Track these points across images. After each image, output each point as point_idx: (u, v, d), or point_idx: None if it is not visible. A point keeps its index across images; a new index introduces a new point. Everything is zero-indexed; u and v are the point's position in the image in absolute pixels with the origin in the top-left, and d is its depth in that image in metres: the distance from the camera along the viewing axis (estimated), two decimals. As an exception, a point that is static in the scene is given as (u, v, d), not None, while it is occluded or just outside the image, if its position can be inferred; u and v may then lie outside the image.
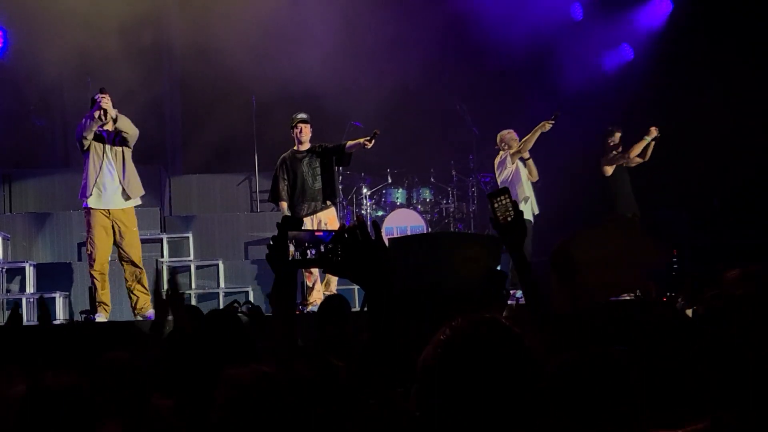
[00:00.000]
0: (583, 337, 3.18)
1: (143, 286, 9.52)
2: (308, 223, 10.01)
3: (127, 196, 9.51)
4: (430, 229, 12.80)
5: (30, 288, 10.65)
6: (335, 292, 10.04)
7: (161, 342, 3.91)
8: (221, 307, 10.03)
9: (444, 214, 13.47)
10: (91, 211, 9.45)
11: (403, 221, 12.78)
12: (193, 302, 10.88)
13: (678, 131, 11.92)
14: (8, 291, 10.66)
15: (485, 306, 3.85)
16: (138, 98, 11.87)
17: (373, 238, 2.61)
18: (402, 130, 12.52)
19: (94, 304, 9.44)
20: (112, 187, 9.46)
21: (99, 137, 9.46)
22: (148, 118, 11.43)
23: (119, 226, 9.47)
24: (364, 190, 13.17)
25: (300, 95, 12.47)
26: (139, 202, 9.74)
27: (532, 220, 10.86)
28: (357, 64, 12.98)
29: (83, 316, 9.71)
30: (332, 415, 2.81)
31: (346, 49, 12.92)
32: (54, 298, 10.37)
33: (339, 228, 2.69)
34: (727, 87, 12.80)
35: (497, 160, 11.06)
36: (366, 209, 13.08)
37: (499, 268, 4.16)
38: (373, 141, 9.88)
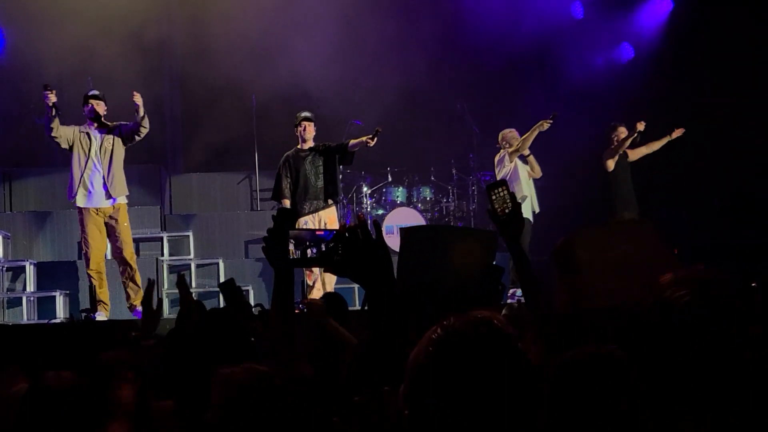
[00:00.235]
0: (583, 337, 3.18)
1: (135, 283, 9.51)
2: (310, 222, 10.03)
3: (108, 195, 9.50)
4: (430, 228, 12.79)
5: (30, 287, 10.65)
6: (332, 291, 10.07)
7: (151, 347, 3.92)
8: (220, 306, 10.05)
9: (444, 213, 13.46)
10: (82, 210, 9.48)
11: (403, 220, 12.77)
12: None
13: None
14: (9, 290, 10.67)
15: (482, 301, 3.85)
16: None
17: (373, 237, 2.61)
18: (402, 128, 12.52)
19: (94, 303, 9.45)
20: (97, 186, 9.48)
21: (86, 136, 9.48)
22: (148, 116, 11.41)
23: (110, 222, 9.47)
24: (365, 189, 13.17)
25: (300, 94, 12.48)
26: (125, 200, 9.73)
27: (531, 219, 10.87)
28: (357, 63, 12.98)
29: (83, 314, 9.71)
30: (330, 414, 2.82)
31: (346, 48, 12.92)
32: (54, 296, 10.38)
33: (340, 227, 2.69)
34: (727, 86, 12.80)
35: (496, 158, 11.08)
36: (366, 208, 13.08)
37: (495, 263, 4.16)
38: (375, 139, 9.92)
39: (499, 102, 13.79)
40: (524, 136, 10.74)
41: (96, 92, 9.71)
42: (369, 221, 11.90)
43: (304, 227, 9.81)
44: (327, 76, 12.79)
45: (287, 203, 10.22)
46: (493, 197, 3.16)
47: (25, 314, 10.27)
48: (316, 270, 9.86)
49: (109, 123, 9.66)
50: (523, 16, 13.80)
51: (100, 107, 9.58)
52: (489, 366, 1.91)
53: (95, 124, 9.54)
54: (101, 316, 9.43)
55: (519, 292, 10.29)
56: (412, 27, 13.75)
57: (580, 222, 11.50)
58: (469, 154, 13.75)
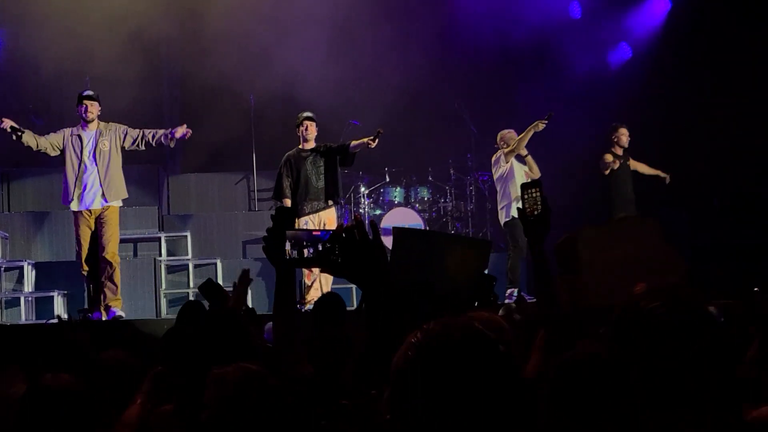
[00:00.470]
0: (582, 336, 3.17)
1: (113, 282, 9.42)
2: (310, 222, 10.03)
3: (105, 198, 9.45)
4: (428, 228, 12.79)
5: (28, 287, 10.64)
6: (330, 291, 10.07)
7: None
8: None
9: (442, 213, 13.46)
10: (76, 213, 9.45)
11: (401, 220, 12.77)
12: (192, 301, 10.87)
13: (678, 131, 11.93)
14: (7, 290, 10.65)
15: (474, 309, 3.85)
16: (137, 97, 11.87)
17: (370, 237, 2.60)
18: (400, 129, 12.51)
19: (92, 303, 9.43)
20: (92, 188, 9.41)
21: (79, 139, 9.44)
22: (146, 117, 11.43)
23: (99, 222, 9.42)
24: (362, 189, 13.17)
25: (298, 94, 12.47)
26: (120, 203, 9.70)
27: (530, 221, 10.85)
28: (356, 64, 12.97)
29: (81, 315, 9.69)
30: (326, 414, 2.81)
31: (344, 48, 12.92)
32: (52, 297, 10.37)
33: (337, 227, 2.69)
34: (726, 86, 12.79)
35: (493, 159, 11.10)
36: (364, 208, 13.08)
37: (486, 272, 4.16)
38: (376, 140, 9.95)
39: (497, 102, 13.79)
40: (519, 137, 10.76)
41: (90, 92, 9.64)
42: (366, 222, 11.88)
43: (304, 227, 9.81)
44: (325, 76, 12.78)
45: (288, 203, 10.23)
46: (525, 197, 3.18)
47: (23, 314, 10.26)
48: (315, 270, 9.85)
49: (105, 123, 9.58)
50: (521, 16, 13.78)
51: (94, 108, 9.50)
52: (469, 370, 1.90)
53: (88, 125, 9.49)
54: (119, 312, 9.40)
55: (516, 291, 10.31)
56: (411, 28, 13.75)
57: (579, 222, 11.49)
58: (467, 155, 13.75)
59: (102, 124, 9.56)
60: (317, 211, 10.19)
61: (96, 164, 9.43)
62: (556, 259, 3.81)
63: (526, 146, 10.82)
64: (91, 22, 11.79)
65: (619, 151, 11.41)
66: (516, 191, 10.69)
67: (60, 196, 9.73)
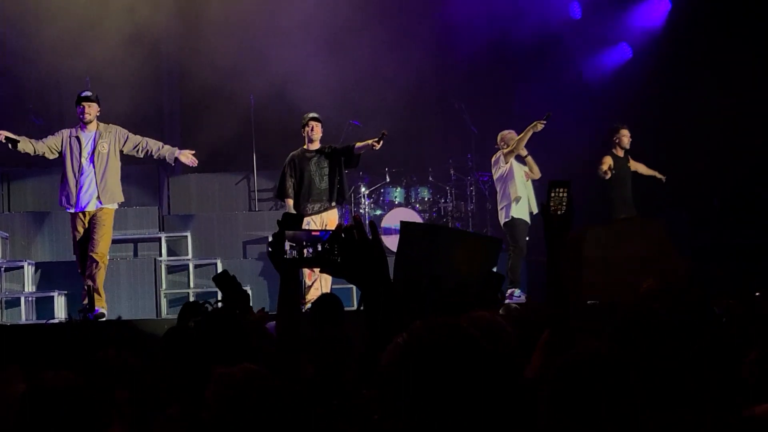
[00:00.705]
0: (583, 334, 3.17)
1: (95, 282, 9.37)
2: (312, 223, 10.03)
3: (100, 201, 9.43)
4: (428, 228, 12.78)
5: (29, 287, 10.64)
6: (329, 291, 10.07)
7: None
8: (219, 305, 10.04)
9: (442, 213, 13.46)
10: (71, 215, 9.42)
11: (401, 220, 12.75)
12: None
13: (678, 131, 11.93)
14: (7, 290, 10.65)
15: (480, 306, 3.85)
16: (137, 98, 11.86)
17: (369, 237, 2.60)
18: (401, 129, 12.51)
19: (92, 303, 9.40)
20: (89, 190, 9.38)
21: (77, 140, 9.40)
22: (147, 117, 11.43)
23: (92, 222, 9.38)
24: (363, 189, 13.17)
25: (298, 95, 12.46)
26: (115, 206, 9.66)
27: (528, 220, 10.88)
28: (356, 64, 12.96)
29: (81, 315, 9.68)
30: (327, 413, 2.81)
31: (344, 48, 12.91)
32: (53, 297, 10.37)
33: (336, 227, 2.69)
34: (726, 86, 12.79)
35: (493, 159, 11.11)
36: (364, 208, 13.08)
37: (495, 269, 4.15)
38: (381, 142, 9.97)
39: (497, 102, 13.80)
40: (518, 137, 10.77)
41: (89, 93, 9.58)
42: (365, 222, 11.88)
43: (306, 228, 9.82)
44: (325, 76, 12.78)
45: (290, 203, 10.25)
46: (552, 195, 3.17)
47: (24, 314, 10.26)
48: (316, 270, 9.86)
49: (105, 125, 9.54)
50: (521, 16, 13.79)
51: (93, 109, 9.45)
52: (454, 370, 1.90)
53: (87, 127, 9.45)
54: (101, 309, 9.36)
55: (517, 292, 10.31)
56: (411, 28, 13.75)
57: (579, 222, 11.47)
58: (467, 155, 13.75)
59: (102, 125, 9.49)
60: (320, 212, 10.20)
61: (93, 166, 9.37)
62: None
63: (526, 147, 10.82)
64: (90, 22, 11.79)
65: (620, 152, 11.40)
66: (515, 192, 10.69)
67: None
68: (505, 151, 10.87)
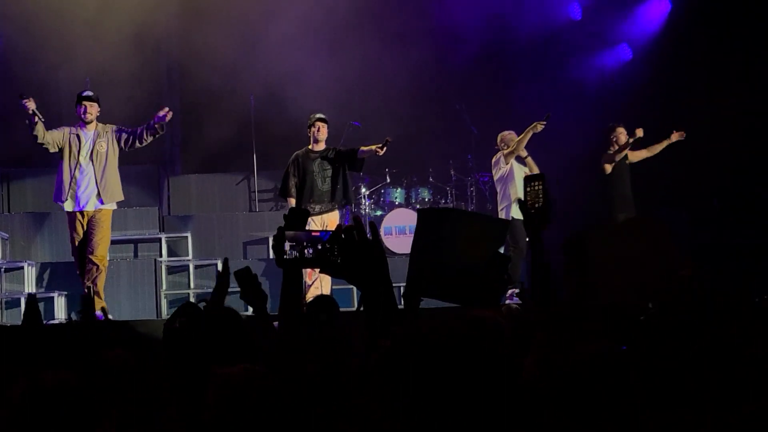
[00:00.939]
0: (585, 334, 3.17)
1: (96, 286, 9.36)
2: (313, 224, 10.04)
3: (101, 200, 9.42)
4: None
5: (29, 288, 10.64)
6: (329, 292, 10.08)
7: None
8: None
9: (443, 214, 13.44)
10: (69, 214, 9.39)
11: (401, 221, 12.77)
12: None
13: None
14: (7, 291, 10.65)
15: (486, 289, 3.84)
16: (137, 97, 11.87)
17: (369, 238, 2.60)
18: (401, 129, 12.50)
19: (91, 304, 9.37)
20: (88, 189, 9.36)
21: (77, 138, 9.40)
22: (146, 117, 11.40)
23: (91, 223, 9.37)
24: (363, 190, 13.17)
25: (299, 95, 12.47)
26: (114, 206, 9.65)
27: (528, 221, 10.87)
28: (356, 64, 12.97)
29: (81, 315, 9.66)
30: (327, 413, 2.81)
31: (344, 49, 12.91)
32: (53, 297, 10.37)
33: (336, 228, 2.69)
34: (726, 86, 12.79)
35: (493, 160, 11.12)
36: (365, 209, 13.08)
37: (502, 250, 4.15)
38: (384, 148, 10.02)
39: (498, 103, 13.79)
40: (518, 138, 10.78)
41: (90, 93, 9.60)
42: (365, 222, 11.88)
43: (306, 228, 9.80)
44: (325, 77, 12.79)
45: (292, 202, 10.28)
46: (528, 189, 3.18)
47: (23, 315, 10.24)
48: (316, 269, 9.85)
49: (103, 125, 9.54)
50: (522, 16, 13.79)
51: (93, 109, 9.47)
52: (437, 372, 1.91)
53: (87, 126, 9.45)
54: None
55: (516, 291, 10.31)
56: (412, 28, 13.74)
57: (579, 222, 11.49)
58: (468, 155, 13.75)
59: (100, 125, 9.51)
60: (320, 213, 10.21)
61: (93, 165, 9.38)
62: (565, 256, 3.81)
63: (526, 147, 10.82)
64: (89, 22, 11.79)
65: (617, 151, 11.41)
66: (515, 193, 10.70)
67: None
68: (506, 152, 10.88)
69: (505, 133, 11.11)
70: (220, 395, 2.68)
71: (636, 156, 11.45)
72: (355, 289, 10.94)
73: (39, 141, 9.36)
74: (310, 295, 9.87)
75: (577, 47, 14.20)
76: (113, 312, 9.90)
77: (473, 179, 13.52)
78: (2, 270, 10.68)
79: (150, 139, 9.53)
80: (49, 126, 9.49)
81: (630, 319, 3.56)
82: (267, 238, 11.94)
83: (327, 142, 10.46)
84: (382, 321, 2.51)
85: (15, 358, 4.09)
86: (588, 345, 2.75)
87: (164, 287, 11.23)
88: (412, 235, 4.10)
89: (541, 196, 3.16)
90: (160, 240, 11.88)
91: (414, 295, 3.32)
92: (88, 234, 9.35)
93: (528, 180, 3.21)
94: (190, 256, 11.86)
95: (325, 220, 10.18)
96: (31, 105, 9.25)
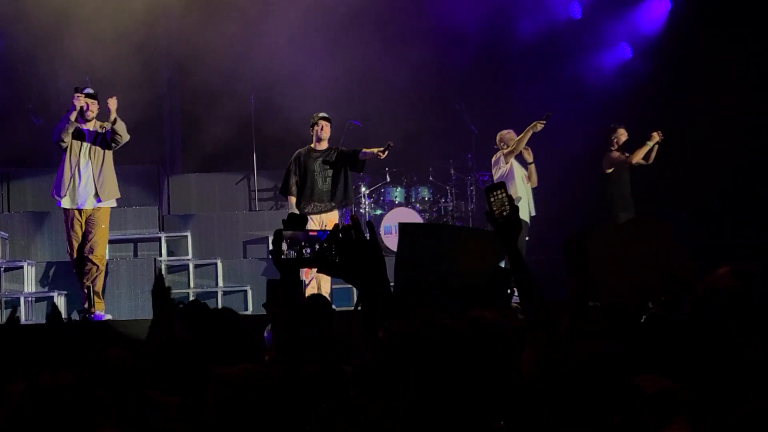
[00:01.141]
0: (581, 335, 3.16)
1: (96, 286, 9.35)
2: (311, 223, 10.05)
3: (99, 198, 9.40)
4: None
5: (29, 287, 10.64)
6: (329, 291, 10.09)
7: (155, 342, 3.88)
8: (220, 306, 10.05)
9: (442, 213, 13.46)
10: (68, 211, 9.37)
11: (401, 220, 12.75)
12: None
13: (677, 131, 11.91)
14: (7, 290, 10.65)
15: (489, 302, 3.84)
16: (137, 97, 11.85)
17: (367, 237, 2.60)
18: (401, 128, 12.51)
19: (90, 303, 9.39)
20: (86, 187, 9.35)
21: (78, 135, 9.39)
22: (147, 117, 11.43)
23: (89, 222, 9.36)
24: (363, 189, 13.17)
25: (299, 94, 12.46)
26: (113, 204, 9.64)
27: (528, 220, 10.89)
28: (356, 64, 12.97)
29: (81, 314, 9.68)
30: (327, 414, 2.80)
31: (345, 48, 12.91)
32: (53, 297, 10.36)
33: (333, 227, 2.68)
34: (726, 86, 12.79)
35: (493, 159, 11.12)
36: (365, 208, 13.08)
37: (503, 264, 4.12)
38: (386, 153, 10.06)
39: (497, 102, 13.79)
40: (518, 138, 10.78)
41: (91, 90, 9.59)
42: (363, 222, 11.87)
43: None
44: (325, 76, 12.79)
45: (293, 200, 10.30)
46: (492, 199, 3.16)
47: (23, 314, 10.25)
48: (311, 270, 9.86)
49: (100, 123, 9.51)
50: (522, 16, 13.79)
51: (95, 107, 9.46)
52: (431, 367, 1.91)
53: (86, 124, 9.43)
54: (105, 315, 9.35)
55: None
56: (411, 28, 13.75)
57: (578, 222, 11.49)
58: (468, 155, 13.75)
59: (98, 123, 9.51)
60: (319, 212, 10.23)
61: (91, 163, 9.37)
62: (565, 256, 3.80)
63: (531, 151, 10.85)
64: (89, 23, 11.78)
65: (622, 151, 11.41)
66: (516, 192, 10.70)
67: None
68: (506, 151, 10.88)
69: (504, 132, 11.11)
70: (219, 395, 2.68)
71: (635, 157, 11.47)
72: (354, 288, 10.95)
73: (62, 139, 9.29)
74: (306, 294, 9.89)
75: (577, 47, 14.20)
76: (113, 312, 9.91)
77: (473, 178, 13.52)
78: (2, 270, 10.67)
79: (117, 138, 9.42)
80: (48, 130, 9.49)
81: (630, 319, 3.55)
82: (267, 238, 11.94)
83: (328, 141, 10.46)
84: (380, 320, 2.51)
85: (34, 357, 4.09)
86: (588, 345, 2.74)
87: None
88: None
89: (506, 204, 3.14)
90: (159, 239, 11.87)
91: (408, 307, 3.31)
92: (87, 233, 9.35)
93: (489, 190, 3.19)
94: (190, 256, 11.86)
95: (324, 220, 10.19)
96: (79, 103, 9.21)
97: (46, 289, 10.66)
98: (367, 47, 12.92)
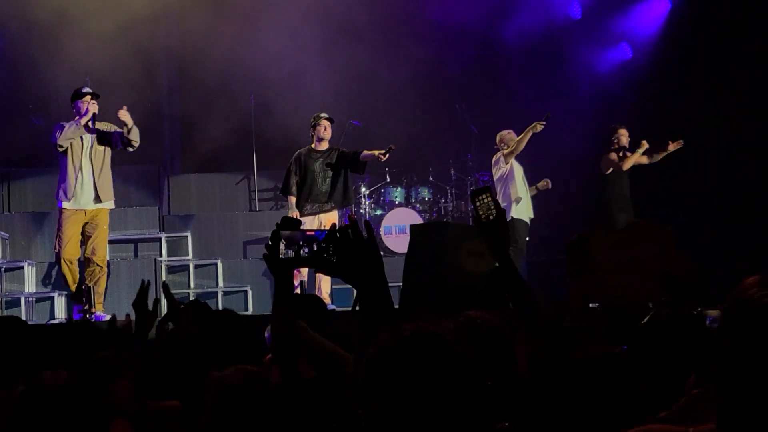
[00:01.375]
0: (584, 336, 3.16)
1: (99, 287, 9.32)
2: (308, 223, 10.05)
3: (98, 199, 9.38)
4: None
5: (29, 288, 10.63)
6: (330, 291, 10.09)
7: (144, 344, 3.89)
8: (220, 306, 10.05)
9: (443, 213, 13.46)
10: (66, 210, 9.30)
11: (401, 220, 12.77)
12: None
13: (677, 131, 11.91)
14: (7, 291, 10.64)
15: (487, 303, 3.84)
16: (137, 97, 11.84)
17: (365, 237, 2.60)
18: (401, 129, 12.51)
19: (90, 303, 9.37)
20: (88, 188, 9.32)
21: (79, 136, 9.32)
22: (147, 117, 11.40)
23: (93, 224, 9.33)
24: (363, 189, 13.16)
25: (298, 94, 12.47)
26: (112, 205, 9.61)
27: (528, 221, 10.90)
28: (356, 63, 12.96)
29: (81, 315, 9.67)
30: (327, 415, 2.80)
31: (345, 48, 12.91)
32: (53, 297, 10.36)
33: (331, 227, 2.69)
34: (726, 86, 12.78)
35: (493, 160, 11.13)
36: (365, 208, 13.08)
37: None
38: (387, 155, 10.12)
39: (497, 102, 13.79)
40: (518, 138, 10.79)
41: (90, 90, 9.51)
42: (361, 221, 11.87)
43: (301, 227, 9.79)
44: (325, 76, 12.78)
45: (293, 200, 10.31)
46: (478, 204, 3.15)
47: (24, 315, 10.25)
48: (303, 271, 9.85)
49: (100, 123, 9.48)
50: (521, 16, 13.78)
51: (95, 106, 9.41)
52: (426, 379, 1.91)
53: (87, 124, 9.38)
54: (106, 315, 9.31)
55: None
56: (411, 28, 13.74)
57: (578, 222, 11.49)
58: (468, 155, 13.75)
59: (98, 123, 9.44)
60: (317, 213, 10.24)
61: (92, 164, 9.34)
62: (567, 257, 3.80)
63: (528, 151, 10.86)
64: (89, 23, 11.78)
65: (619, 152, 11.41)
66: (516, 193, 10.72)
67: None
68: (506, 151, 10.89)
69: (504, 132, 11.12)
70: (217, 397, 2.68)
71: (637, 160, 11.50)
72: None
73: (61, 144, 9.24)
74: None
75: (577, 47, 14.20)
76: (113, 312, 9.88)
77: (473, 179, 13.51)
78: (2, 270, 10.68)
79: (135, 144, 9.39)
80: (48, 130, 9.46)
81: (631, 320, 3.55)
82: (267, 238, 11.92)
83: (328, 141, 10.47)
84: (378, 321, 2.51)
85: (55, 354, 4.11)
86: (588, 345, 2.74)
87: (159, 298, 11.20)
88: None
89: (492, 207, 3.14)
90: (160, 240, 11.87)
91: (410, 308, 3.32)
92: (89, 235, 9.33)
93: (475, 194, 3.19)
94: (190, 256, 11.86)
95: (322, 220, 10.20)
96: (94, 109, 9.18)
97: (47, 289, 10.66)
98: (367, 47, 12.92)
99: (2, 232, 11.19)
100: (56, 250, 9.42)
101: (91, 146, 9.34)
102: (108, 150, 9.45)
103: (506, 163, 10.86)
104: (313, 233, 2.86)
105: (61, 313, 10.32)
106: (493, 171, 11.08)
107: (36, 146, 12.81)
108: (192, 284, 11.41)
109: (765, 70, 12.71)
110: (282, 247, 2.91)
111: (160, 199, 12.78)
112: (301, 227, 3.02)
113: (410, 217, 12.77)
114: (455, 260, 3.96)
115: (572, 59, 14.10)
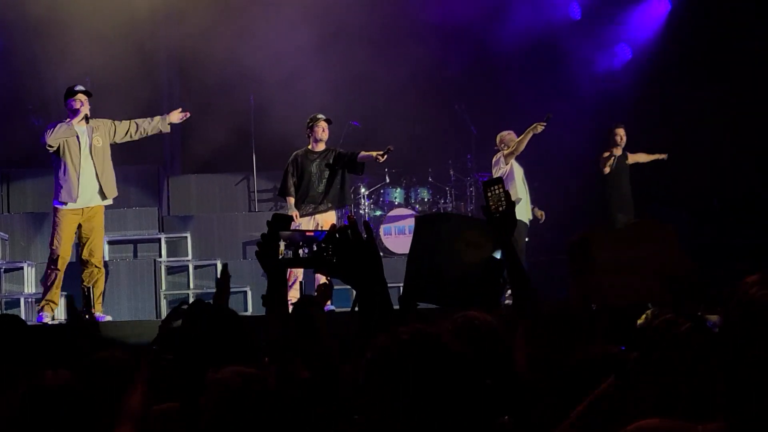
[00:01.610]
0: (584, 336, 3.16)
1: (98, 288, 9.29)
2: (305, 224, 10.05)
3: (103, 195, 9.35)
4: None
5: (29, 288, 10.63)
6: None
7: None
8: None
9: (442, 214, 13.46)
10: (61, 210, 9.23)
11: (401, 221, 12.77)
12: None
13: (677, 131, 11.93)
14: (7, 291, 10.64)
15: (482, 292, 3.84)
16: (137, 97, 11.86)
17: (364, 238, 2.60)
18: (400, 129, 12.51)
19: (90, 304, 9.35)
20: (91, 185, 9.27)
21: (74, 135, 9.26)
22: (146, 117, 11.41)
23: (89, 225, 9.27)
24: (362, 190, 13.16)
25: (298, 94, 12.46)
26: (110, 202, 9.58)
27: (528, 222, 10.90)
28: (356, 64, 12.96)
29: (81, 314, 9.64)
30: (326, 416, 2.80)
31: (344, 48, 12.91)
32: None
33: (330, 228, 2.69)
34: (726, 86, 12.79)
35: (493, 160, 11.13)
36: (364, 209, 13.08)
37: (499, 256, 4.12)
38: (385, 156, 10.15)
39: (497, 103, 13.79)
40: (519, 139, 10.80)
41: (82, 87, 9.43)
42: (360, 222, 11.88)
43: (298, 228, 9.79)
44: (325, 76, 12.78)
45: (291, 201, 10.33)
46: (489, 194, 3.16)
47: (24, 315, 10.24)
48: (296, 271, 9.84)
49: (94, 120, 9.38)
50: (521, 16, 13.78)
51: (86, 108, 9.32)
52: (420, 378, 1.92)
53: (81, 121, 9.33)
54: (47, 317, 9.25)
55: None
56: (411, 28, 13.74)
57: (578, 222, 11.49)
58: (467, 155, 13.75)
59: (92, 120, 9.38)
60: (313, 213, 10.25)
61: (93, 161, 9.29)
62: (569, 258, 3.80)
63: (528, 151, 10.87)
64: (89, 23, 11.78)
65: (618, 151, 11.42)
66: (516, 193, 10.72)
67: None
68: (506, 152, 10.89)
69: (504, 133, 11.12)
70: (216, 398, 2.68)
71: (634, 158, 11.50)
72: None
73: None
74: (290, 296, 9.86)
75: (577, 47, 14.20)
76: (113, 312, 9.89)
77: (473, 179, 13.52)
78: (2, 270, 10.67)
79: (151, 133, 9.48)
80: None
81: (631, 320, 3.54)
82: (264, 238, 11.92)
83: (327, 142, 10.47)
84: (378, 321, 2.51)
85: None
86: (588, 345, 2.74)
87: (164, 288, 11.23)
88: (411, 235, 4.11)
89: (503, 199, 3.15)
90: (159, 240, 11.87)
91: (410, 300, 3.31)
92: (87, 237, 9.27)
93: (487, 185, 3.19)
94: (190, 257, 11.86)
95: (318, 221, 10.21)
96: (85, 110, 9.16)
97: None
98: (366, 48, 12.92)
99: (2, 233, 11.19)
100: (52, 248, 9.31)
101: (90, 143, 9.29)
102: (107, 147, 9.42)
103: (506, 164, 10.86)
104: (312, 234, 2.85)
105: (60, 314, 10.31)
106: (493, 171, 11.08)
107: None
108: (191, 285, 11.42)
109: (765, 70, 12.71)
110: (282, 247, 2.91)
111: (159, 199, 12.78)
112: (298, 228, 3.02)
113: (409, 217, 12.78)
114: (453, 249, 3.97)
115: (572, 59, 14.10)
